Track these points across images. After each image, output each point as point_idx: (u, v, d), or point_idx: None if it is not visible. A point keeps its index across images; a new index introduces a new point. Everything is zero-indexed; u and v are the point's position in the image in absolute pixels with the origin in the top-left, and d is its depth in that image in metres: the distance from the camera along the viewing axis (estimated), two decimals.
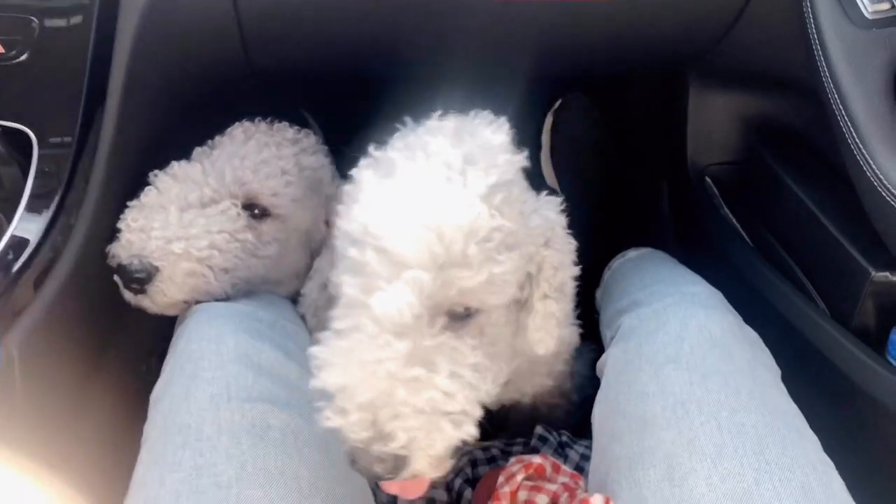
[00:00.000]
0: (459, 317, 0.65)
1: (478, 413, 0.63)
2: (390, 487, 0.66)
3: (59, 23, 0.88)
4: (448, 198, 0.63)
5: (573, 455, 0.90)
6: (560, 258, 0.75)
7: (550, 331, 0.76)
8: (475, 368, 0.64)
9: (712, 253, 1.19)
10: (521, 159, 0.72)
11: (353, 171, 0.72)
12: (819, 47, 0.86)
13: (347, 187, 0.71)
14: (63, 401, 0.88)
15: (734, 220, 1.19)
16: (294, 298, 1.07)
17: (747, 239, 1.15)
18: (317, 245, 1.08)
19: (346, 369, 0.61)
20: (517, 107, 1.53)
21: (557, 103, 1.55)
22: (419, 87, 1.41)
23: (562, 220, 0.77)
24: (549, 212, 0.76)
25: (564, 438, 0.93)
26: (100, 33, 0.89)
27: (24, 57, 0.87)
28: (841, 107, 0.82)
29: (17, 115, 0.87)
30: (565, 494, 0.74)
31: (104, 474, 0.96)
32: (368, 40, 1.11)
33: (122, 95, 0.92)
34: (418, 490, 0.66)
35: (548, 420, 1.04)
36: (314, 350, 0.64)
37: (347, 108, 1.54)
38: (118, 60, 0.91)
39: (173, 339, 0.87)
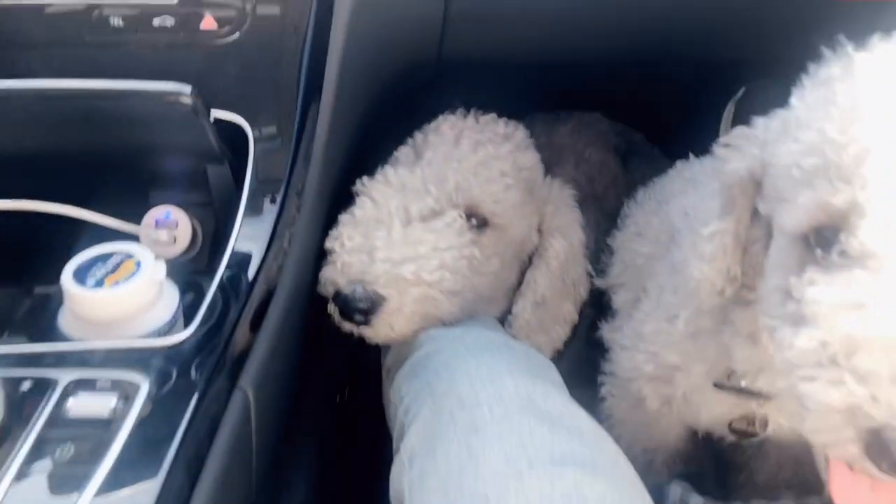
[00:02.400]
0: None
1: None
2: None
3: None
4: None
5: None
6: None
7: None
8: None
9: None
10: None
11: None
12: None
13: None
14: (279, 445, 0.74)
15: None
16: (502, 319, 0.92)
17: None
18: (525, 256, 0.94)
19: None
20: (694, 96, 1.40)
21: (741, 92, 1.38)
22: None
23: None
24: None
25: None
26: (319, 7, 0.75)
27: (236, 35, 0.73)
28: None
29: (229, 104, 0.73)
30: None
31: None
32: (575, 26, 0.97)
33: (337, 81, 0.78)
34: None
35: (811, 469, 0.88)
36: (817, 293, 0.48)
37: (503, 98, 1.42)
38: (336, 35, 0.77)
39: (406, 374, 0.73)
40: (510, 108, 1.43)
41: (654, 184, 1.02)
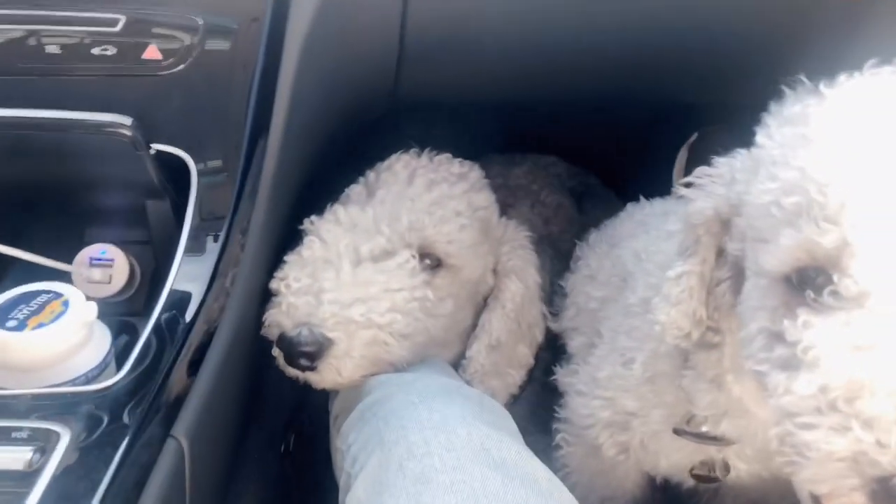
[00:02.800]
0: None
1: None
2: None
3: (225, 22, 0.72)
4: None
5: None
6: None
7: None
8: None
9: None
10: None
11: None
12: None
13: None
14: (219, 494, 0.70)
15: None
16: (456, 362, 0.90)
17: None
18: (480, 298, 0.91)
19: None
20: (648, 140, 1.42)
21: (694, 136, 1.40)
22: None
23: None
24: None
25: None
26: (270, 40, 0.73)
27: (181, 67, 0.70)
28: None
29: (171, 137, 0.70)
30: None
31: None
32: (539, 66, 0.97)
33: (286, 117, 0.75)
34: None
35: None
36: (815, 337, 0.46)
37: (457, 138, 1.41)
38: (285, 72, 0.75)
39: (354, 421, 0.70)
40: (466, 149, 1.42)
41: (606, 226, 1.01)
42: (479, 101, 1.11)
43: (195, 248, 0.69)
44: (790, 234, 0.48)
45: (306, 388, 0.78)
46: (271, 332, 0.75)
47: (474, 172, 0.90)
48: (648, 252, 0.81)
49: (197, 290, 0.66)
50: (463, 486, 0.57)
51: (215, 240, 0.70)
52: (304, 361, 0.73)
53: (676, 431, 0.74)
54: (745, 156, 0.59)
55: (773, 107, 0.58)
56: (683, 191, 0.64)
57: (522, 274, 0.90)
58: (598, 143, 1.42)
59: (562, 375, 0.89)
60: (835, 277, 0.46)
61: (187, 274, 0.67)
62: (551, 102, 1.14)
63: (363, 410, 0.70)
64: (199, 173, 0.70)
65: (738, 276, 0.59)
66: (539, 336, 0.94)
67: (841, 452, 0.42)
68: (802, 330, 0.47)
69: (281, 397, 0.84)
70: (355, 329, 0.72)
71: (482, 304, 0.91)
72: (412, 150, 0.89)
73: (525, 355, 0.93)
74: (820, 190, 0.47)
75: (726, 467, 0.77)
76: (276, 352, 0.75)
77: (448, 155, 0.90)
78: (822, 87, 0.54)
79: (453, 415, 0.63)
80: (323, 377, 0.74)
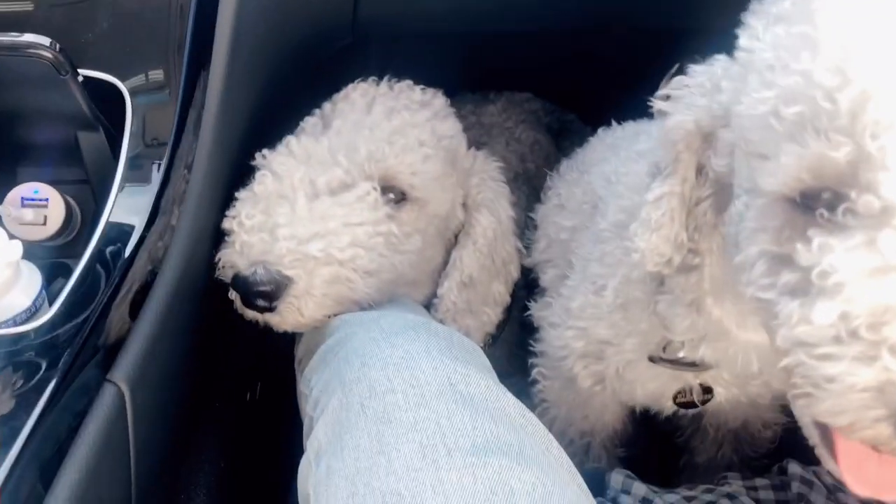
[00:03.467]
0: None
1: None
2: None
3: None
4: None
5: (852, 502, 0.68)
6: None
7: None
8: None
9: None
10: None
11: None
12: None
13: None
14: (172, 445, 0.66)
15: None
16: (428, 303, 0.85)
17: None
18: (450, 234, 0.87)
19: None
20: (626, 75, 1.36)
21: (675, 68, 1.34)
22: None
23: None
24: None
25: (829, 480, 0.70)
26: None
27: None
28: None
29: (101, 62, 0.64)
30: None
31: None
32: None
33: (227, 55, 0.69)
34: None
35: (750, 447, 0.84)
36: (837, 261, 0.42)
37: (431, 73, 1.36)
38: (224, 12, 0.68)
39: (316, 363, 0.65)
40: (438, 85, 1.37)
41: (576, 153, 0.97)
42: (444, 30, 1.05)
43: (135, 178, 0.64)
44: (794, 149, 0.43)
45: (272, 332, 0.73)
46: (226, 274, 0.70)
47: (438, 100, 0.84)
48: (618, 174, 0.77)
49: (138, 224, 0.61)
50: (428, 423, 0.53)
51: (157, 171, 0.64)
52: (261, 302, 0.68)
53: (652, 359, 0.71)
54: (728, 62, 0.54)
55: (755, 4, 0.53)
56: (660, 104, 0.59)
57: (494, 207, 0.85)
58: (575, 78, 1.36)
59: (536, 310, 0.86)
60: (852, 194, 0.42)
61: (127, 207, 0.63)
62: (520, 34, 1.08)
63: (325, 352, 0.65)
64: (134, 100, 0.64)
65: (722, 194, 0.55)
66: (514, 273, 0.90)
67: (865, 382, 0.39)
68: (819, 254, 0.42)
69: (246, 344, 0.79)
70: (315, 266, 0.68)
71: (453, 241, 0.86)
72: (371, 79, 0.83)
73: (500, 293, 0.89)
74: (828, 96, 0.41)
75: (705, 392, 0.74)
76: (232, 294, 0.71)
77: (409, 82, 0.84)
78: None
79: (417, 350, 0.59)
80: (283, 318, 0.70)
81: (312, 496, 0.56)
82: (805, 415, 0.46)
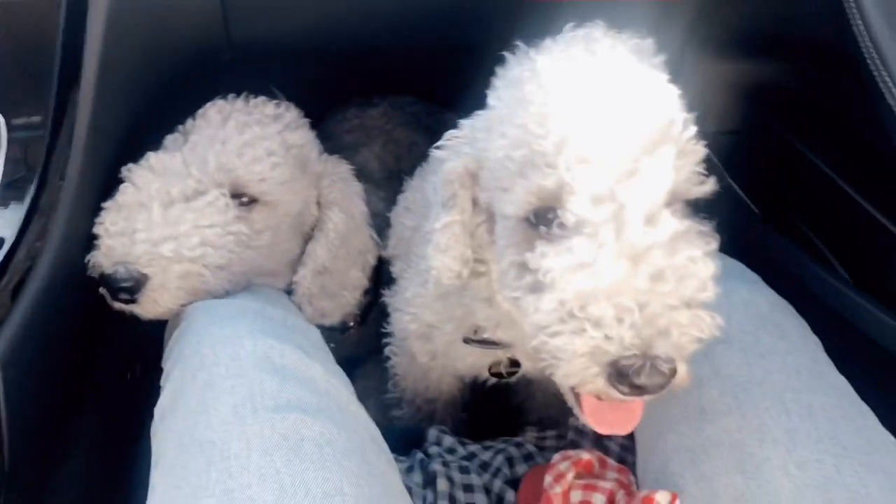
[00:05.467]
0: None
1: None
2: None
3: None
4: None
5: (613, 447, 0.85)
6: None
7: None
8: None
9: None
10: None
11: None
12: (856, 12, 0.82)
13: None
14: (48, 418, 0.78)
15: (739, 191, 1.16)
16: (289, 289, 0.99)
17: (755, 208, 1.12)
18: (308, 229, 1.00)
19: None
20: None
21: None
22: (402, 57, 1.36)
23: None
24: None
25: None
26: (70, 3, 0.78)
27: None
28: (884, 73, 0.78)
29: None
30: (621, 492, 0.69)
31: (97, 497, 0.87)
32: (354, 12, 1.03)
33: (97, 74, 0.81)
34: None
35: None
36: (549, 262, 0.57)
37: (317, 83, 1.46)
38: (92, 33, 0.80)
39: (172, 344, 0.78)
40: (325, 95, 1.49)
41: (428, 160, 1.10)
42: (314, 47, 1.17)
43: (12, 196, 0.76)
44: (523, 182, 0.59)
45: (150, 321, 0.86)
46: (95, 272, 0.83)
47: (290, 113, 0.97)
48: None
49: (10, 234, 0.73)
50: (242, 388, 0.67)
51: (31, 184, 0.76)
52: (123, 296, 0.81)
53: (466, 340, 0.85)
54: (482, 117, 0.68)
55: (498, 71, 0.67)
56: (437, 153, 0.72)
57: (345, 204, 0.98)
58: (454, 81, 1.48)
59: (386, 296, 1.00)
60: (559, 212, 0.57)
61: (4, 220, 0.74)
62: (385, 45, 1.20)
63: (177, 335, 0.79)
64: (9, 125, 0.75)
65: (491, 218, 0.69)
66: (371, 260, 1.04)
67: (581, 349, 0.54)
68: (540, 258, 0.57)
69: (122, 328, 0.91)
70: (167, 264, 0.81)
71: (310, 234, 0.99)
72: (230, 96, 0.95)
73: (358, 278, 1.02)
74: (538, 142, 0.57)
75: (513, 365, 0.89)
76: (102, 290, 0.83)
77: (263, 98, 0.96)
78: (531, 52, 0.64)
79: (242, 330, 0.73)
80: (144, 308, 0.83)
81: (154, 449, 0.69)
82: (560, 383, 0.61)
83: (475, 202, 0.71)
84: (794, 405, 0.66)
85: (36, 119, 0.78)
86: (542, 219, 0.59)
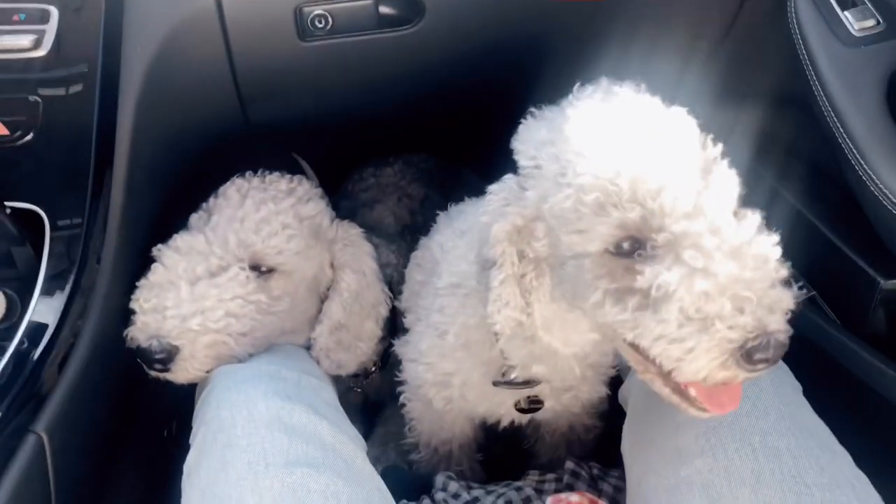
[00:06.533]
0: None
1: None
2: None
3: (60, 92, 0.88)
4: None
5: (607, 488, 0.91)
6: None
7: None
8: None
9: None
10: None
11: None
12: (810, 65, 0.88)
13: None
14: (93, 479, 0.88)
15: None
16: (308, 344, 1.07)
17: None
18: (323, 289, 1.08)
19: None
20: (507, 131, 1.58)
21: None
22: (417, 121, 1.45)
23: None
24: None
25: (595, 471, 0.94)
26: (103, 101, 0.89)
27: (29, 137, 0.87)
28: (837, 123, 0.84)
29: (27, 195, 0.87)
30: None
31: None
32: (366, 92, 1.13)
33: (128, 164, 0.92)
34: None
35: (580, 447, 1.05)
36: (666, 278, 0.63)
37: (335, 148, 1.56)
38: (122, 127, 0.91)
39: (199, 406, 0.87)
40: (347, 158, 1.59)
41: (438, 221, 1.18)
42: (331, 122, 1.27)
43: (56, 280, 0.87)
44: (602, 220, 0.65)
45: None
46: (132, 345, 0.93)
47: (302, 186, 1.06)
48: (447, 246, 0.98)
49: (55, 318, 0.84)
50: (255, 446, 0.76)
51: (71, 273, 0.87)
52: (158, 366, 0.91)
53: (495, 383, 0.92)
54: (519, 179, 0.73)
55: (517, 137, 0.74)
56: (483, 218, 0.76)
57: (356, 265, 1.07)
58: (466, 138, 1.57)
59: (398, 346, 1.07)
60: (653, 235, 0.63)
61: (48, 302, 0.85)
62: (396, 118, 1.29)
63: (204, 397, 0.88)
64: (52, 223, 0.86)
65: (539, 266, 0.75)
66: (383, 312, 1.11)
67: (707, 344, 0.60)
68: (652, 276, 0.63)
69: (159, 391, 1.01)
70: (195, 336, 0.90)
71: (325, 294, 1.08)
72: (247, 173, 1.05)
73: (372, 328, 1.10)
74: (612, 183, 0.64)
75: (534, 403, 0.95)
76: (138, 360, 0.93)
77: (278, 174, 1.05)
78: (548, 113, 0.72)
79: (256, 394, 0.81)
80: (177, 375, 0.92)
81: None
82: (664, 385, 0.67)
83: (521, 255, 0.75)
84: (761, 446, 0.71)
85: (77, 219, 0.89)
86: (620, 248, 0.66)
